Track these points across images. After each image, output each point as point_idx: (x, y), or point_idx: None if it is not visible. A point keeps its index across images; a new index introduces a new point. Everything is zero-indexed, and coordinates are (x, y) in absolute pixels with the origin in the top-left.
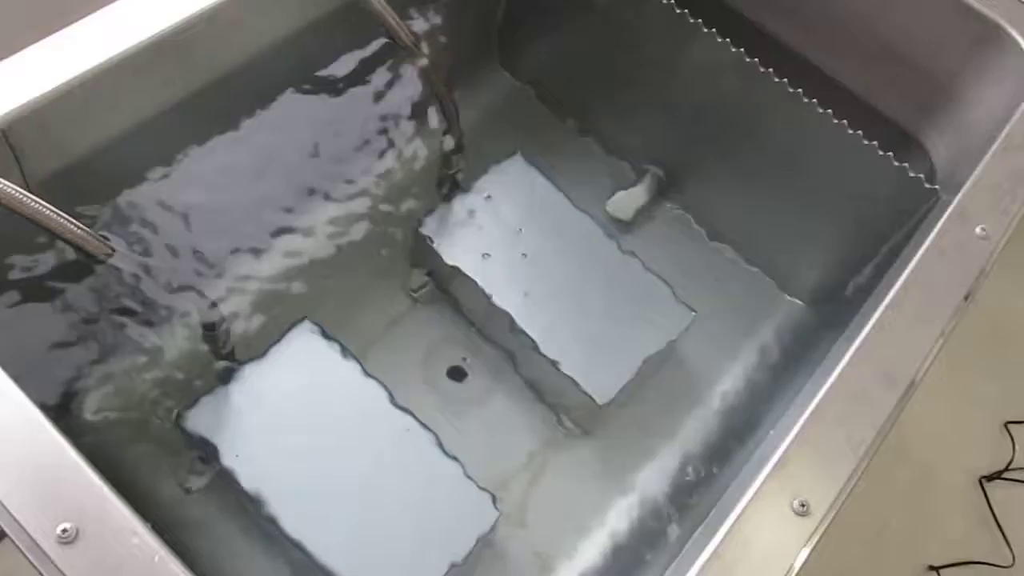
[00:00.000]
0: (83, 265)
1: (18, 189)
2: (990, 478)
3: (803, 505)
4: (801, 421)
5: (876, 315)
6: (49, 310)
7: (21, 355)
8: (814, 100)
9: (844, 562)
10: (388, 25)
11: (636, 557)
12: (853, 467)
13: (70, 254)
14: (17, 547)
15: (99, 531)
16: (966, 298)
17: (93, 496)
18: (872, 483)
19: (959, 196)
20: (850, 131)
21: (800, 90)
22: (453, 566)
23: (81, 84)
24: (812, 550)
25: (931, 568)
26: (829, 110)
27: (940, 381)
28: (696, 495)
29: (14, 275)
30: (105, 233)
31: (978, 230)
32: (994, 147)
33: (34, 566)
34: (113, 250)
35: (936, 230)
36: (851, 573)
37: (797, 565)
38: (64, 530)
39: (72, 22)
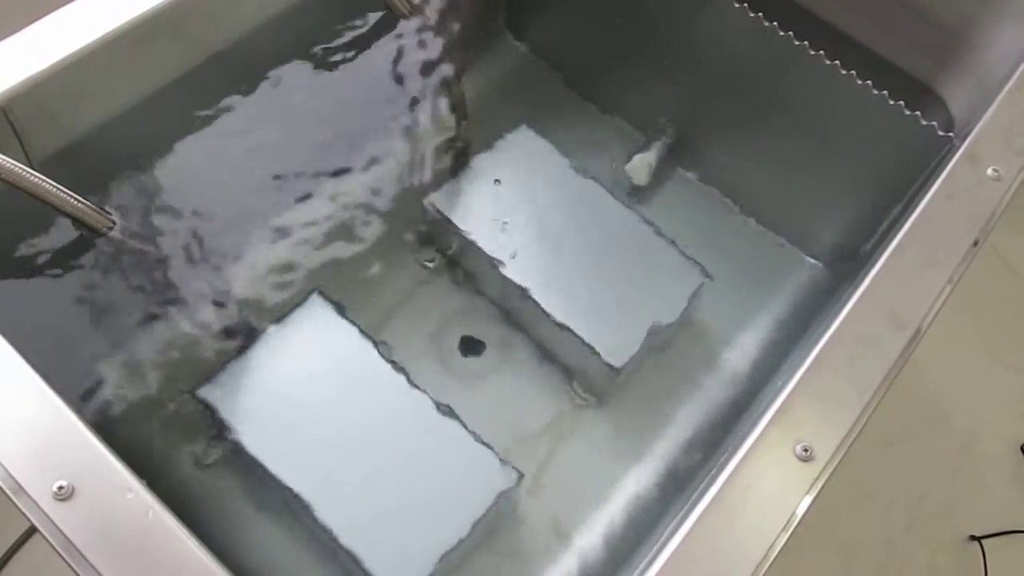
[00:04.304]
0: (90, 242)
1: (17, 164)
2: None
3: (806, 450)
4: (805, 366)
5: (882, 260)
6: (59, 288)
7: (33, 334)
8: (821, 52)
9: (884, 532)
10: None
11: (651, 522)
12: (859, 412)
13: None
14: (14, 503)
15: (94, 488)
16: (976, 243)
17: (88, 454)
18: (911, 452)
19: (969, 139)
20: (859, 81)
21: (806, 43)
22: (471, 528)
23: (79, 61)
24: (816, 496)
25: (972, 538)
26: (837, 61)
27: (978, 349)
28: (711, 459)
29: (20, 253)
30: (107, 207)
31: (989, 171)
32: (1007, 87)
33: (31, 522)
34: (114, 223)
35: (945, 173)
36: (891, 543)
37: (800, 511)
38: (60, 487)
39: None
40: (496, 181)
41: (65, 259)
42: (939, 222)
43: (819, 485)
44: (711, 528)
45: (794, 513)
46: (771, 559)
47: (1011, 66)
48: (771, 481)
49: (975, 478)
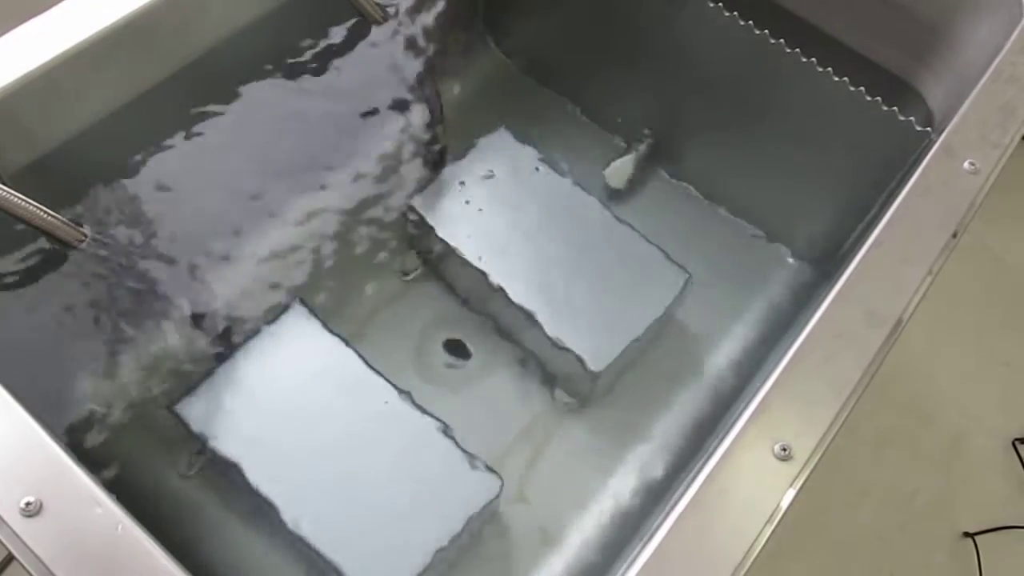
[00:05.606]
0: (62, 256)
1: None
2: (1023, 440)
3: (785, 450)
4: (782, 365)
5: (859, 256)
6: (30, 301)
7: (3, 348)
8: (797, 50)
9: (877, 531)
10: (356, 3)
11: (637, 524)
12: (837, 409)
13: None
14: None
15: (62, 503)
16: (955, 235)
17: (55, 469)
18: (903, 450)
19: (945, 132)
20: (836, 78)
21: (782, 41)
22: (456, 536)
23: (49, 73)
24: (796, 495)
25: (966, 534)
26: (813, 59)
27: (968, 344)
28: (694, 460)
29: None
30: (79, 221)
31: (966, 165)
32: (983, 81)
33: None
34: (86, 236)
35: (921, 168)
36: (884, 542)
37: (780, 510)
38: (27, 503)
39: (38, 13)
40: (477, 185)
41: (36, 273)
42: (916, 216)
43: (798, 484)
44: (689, 530)
45: (773, 513)
46: (751, 559)
47: (987, 59)
48: (750, 481)
49: (967, 474)
